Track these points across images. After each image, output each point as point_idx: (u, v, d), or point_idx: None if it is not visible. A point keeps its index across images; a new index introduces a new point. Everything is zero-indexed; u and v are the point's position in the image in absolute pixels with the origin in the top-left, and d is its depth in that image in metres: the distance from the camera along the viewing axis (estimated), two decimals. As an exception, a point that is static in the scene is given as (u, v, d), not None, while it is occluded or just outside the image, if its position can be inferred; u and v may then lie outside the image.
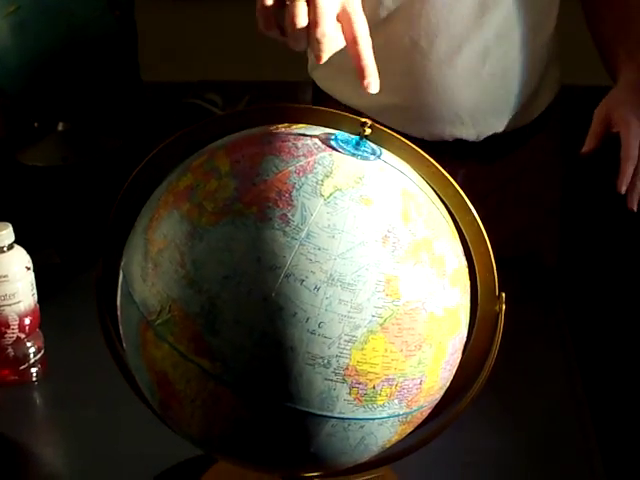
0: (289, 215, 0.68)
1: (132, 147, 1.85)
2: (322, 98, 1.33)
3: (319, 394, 0.68)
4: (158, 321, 0.70)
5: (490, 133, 1.26)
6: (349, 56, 0.77)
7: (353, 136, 0.74)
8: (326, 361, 0.67)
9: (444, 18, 1.18)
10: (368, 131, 0.73)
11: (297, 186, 0.69)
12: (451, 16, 1.18)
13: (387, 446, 0.75)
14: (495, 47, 1.20)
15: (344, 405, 0.69)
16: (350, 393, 0.68)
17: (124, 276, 0.75)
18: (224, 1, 2.89)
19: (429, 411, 0.77)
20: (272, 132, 0.74)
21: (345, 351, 0.67)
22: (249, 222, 0.68)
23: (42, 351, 1.12)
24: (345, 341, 0.67)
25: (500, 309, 0.78)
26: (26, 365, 1.10)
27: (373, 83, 0.76)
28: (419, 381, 0.71)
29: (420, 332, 0.70)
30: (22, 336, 1.09)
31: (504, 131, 1.26)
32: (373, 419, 0.70)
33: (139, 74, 2.05)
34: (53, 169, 1.79)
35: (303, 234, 0.67)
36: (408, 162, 0.75)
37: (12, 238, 1.07)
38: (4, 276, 1.06)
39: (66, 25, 1.68)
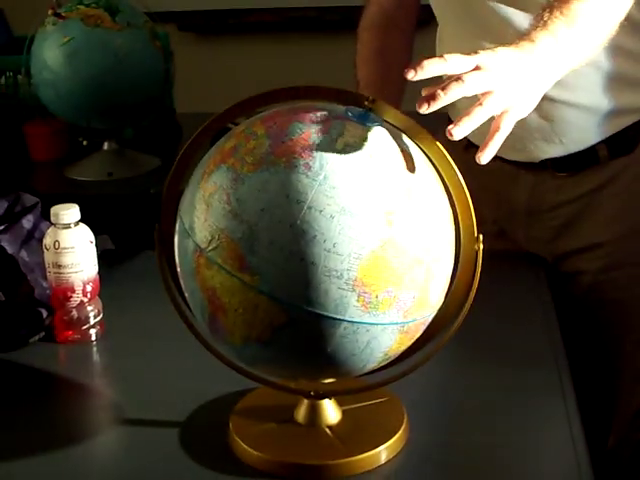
0: (310, 163, 0.88)
1: (169, 166, 2.07)
2: None
3: (333, 300, 0.88)
4: (209, 248, 0.90)
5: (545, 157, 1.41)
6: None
7: (361, 109, 0.94)
8: (339, 273, 0.87)
9: None
10: (370, 105, 0.94)
11: (316, 142, 0.90)
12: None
13: (389, 354, 0.95)
14: None
15: (353, 310, 0.88)
16: (358, 300, 0.88)
17: (181, 219, 0.95)
18: (254, 38, 3.16)
19: (423, 326, 0.96)
20: (298, 107, 0.95)
21: (354, 266, 0.87)
22: (280, 169, 0.89)
23: (101, 315, 1.32)
24: (354, 258, 0.87)
25: (478, 248, 0.98)
26: (87, 326, 1.30)
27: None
28: (412, 296, 0.91)
29: (413, 254, 0.90)
30: (85, 300, 1.29)
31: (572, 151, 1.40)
32: (377, 324, 0.90)
33: (172, 102, 2.28)
34: (99, 183, 2.02)
35: (321, 177, 0.88)
36: (403, 128, 0.96)
37: (78, 216, 1.28)
38: (71, 247, 1.27)
39: (113, 54, 1.91)
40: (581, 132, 1.40)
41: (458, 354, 1.19)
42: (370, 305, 0.89)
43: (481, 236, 0.98)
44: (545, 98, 1.26)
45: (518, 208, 1.50)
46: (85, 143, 2.03)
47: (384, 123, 0.95)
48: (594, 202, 1.44)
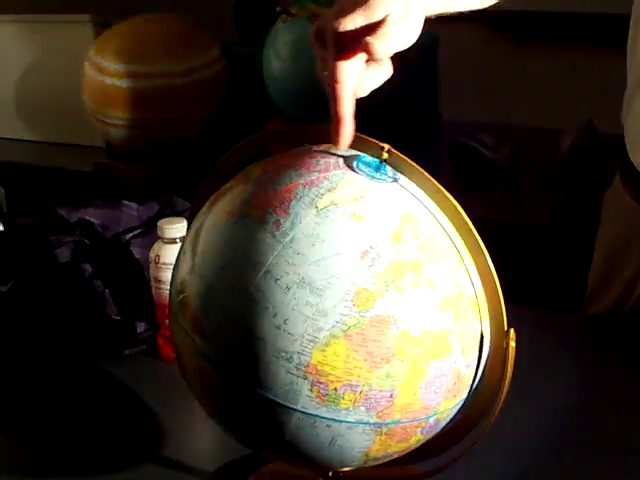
0: (282, 221, 0.75)
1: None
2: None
3: (283, 385, 0.74)
4: (176, 300, 0.80)
5: None
6: None
7: (374, 159, 0.79)
8: (289, 356, 0.73)
9: None
10: (385, 155, 0.78)
11: (298, 197, 0.76)
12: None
13: (371, 455, 0.79)
14: None
15: (307, 401, 0.74)
16: (312, 390, 0.74)
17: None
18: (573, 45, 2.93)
19: (420, 429, 0.79)
20: (309, 149, 0.82)
21: (307, 349, 0.73)
22: (250, 223, 0.76)
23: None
24: (307, 340, 0.73)
25: (507, 345, 0.79)
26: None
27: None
28: (389, 394, 0.75)
29: (388, 346, 0.73)
30: (185, 318, 1.23)
31: None
32: (339, 421, 0.75)
33: (437, 108, 2.16)
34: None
35: (288, 239, 0.74)
36: (421, 188, 0.79)
37: (184, 232, 1.22)
38: (170, 263, 1.20)
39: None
40: None
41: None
42: (327, 398, 0.74)
43: (512, 331, 0.79)
44: None
45: None
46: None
47: (402, 180, 0.79)
48: None
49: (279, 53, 1.86)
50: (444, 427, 0.82)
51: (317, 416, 0.75)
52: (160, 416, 1.14)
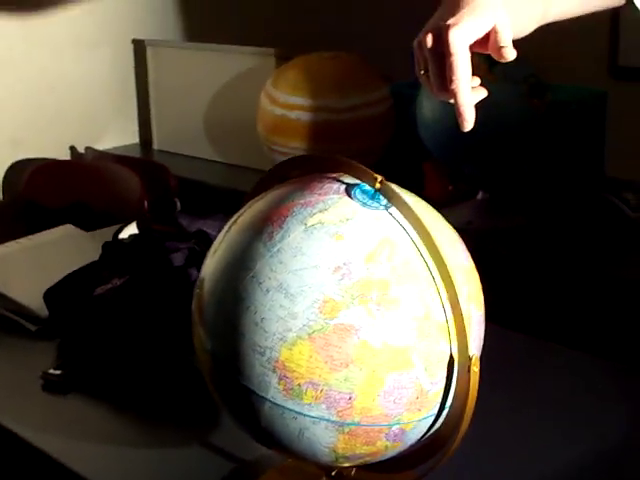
0: (274, 233, 0.86)
1: (535, 226, 2.01)
2: None
3: (257, 376, 0.85)
4: (194, 294, 0.93)
5: None
6: None
7: (369, 189, 0.88)
8: (262, 350, 0.84)
9: None
10: (378, 185, 0.88)
11: (294, 214, 0.87)
12: None
13: (339, 452, 0.88)
14: None
15: (275, 392, 0.85)
16: (279, 383, 0.84)
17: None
18: None
19: (385, 435, 0.87)
20: (322, 175, 0.92)
21: (277, 346, 0.83)
22: (251, 233, 0.88)
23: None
24: (278, 338, 0.83)
25: (469, 370, 0.86)
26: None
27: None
28: (348, 397, 0.84)
29: (348, 353, 0.83)
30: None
31: None
32: (303, 415, 0.85)
33: (601, 170, 2.18)
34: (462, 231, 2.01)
35: (276, 249, 0.85)
36: (408, 218, 0.87)
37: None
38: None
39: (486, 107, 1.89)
40: None
41: None
42: (292, 392, 0.84)
43: (476, 356, 0.86)
44: None
45: None
46: (450, 188, 2.04)
47: (392, 209, 0.88)
48: None
49: (429, 95, 1.95)
50: (421, 438, 0.90)
51: (284, 407, 0.85)
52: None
